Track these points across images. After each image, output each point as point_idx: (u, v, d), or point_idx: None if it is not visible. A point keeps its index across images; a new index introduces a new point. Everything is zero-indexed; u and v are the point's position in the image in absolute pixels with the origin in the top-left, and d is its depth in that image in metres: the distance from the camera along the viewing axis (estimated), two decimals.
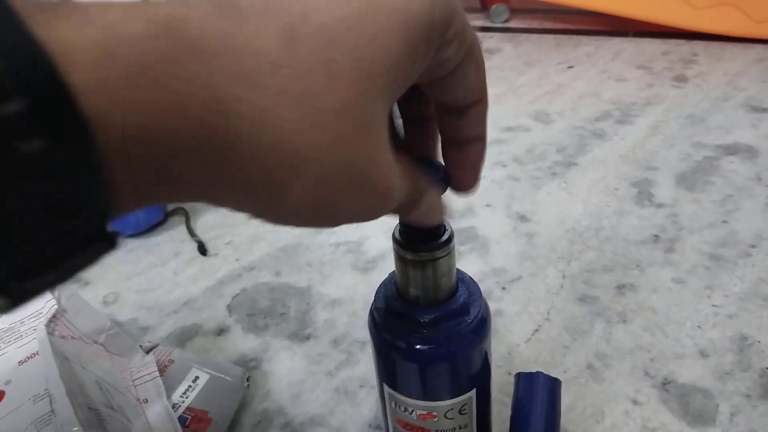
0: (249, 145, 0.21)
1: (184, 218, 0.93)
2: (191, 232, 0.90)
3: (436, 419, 0.39)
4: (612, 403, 0.61)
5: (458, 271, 0.40)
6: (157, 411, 0.55)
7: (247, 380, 0.64)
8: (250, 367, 0.67)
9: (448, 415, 0.39)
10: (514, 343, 0.68)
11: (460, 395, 0.38)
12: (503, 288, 0.76)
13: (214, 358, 0.67)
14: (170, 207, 0.95)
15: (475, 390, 0.40)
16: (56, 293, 0.56)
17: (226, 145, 0.21)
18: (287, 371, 0.67)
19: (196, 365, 0.64)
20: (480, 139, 0.32)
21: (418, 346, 0.37)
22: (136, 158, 0.20)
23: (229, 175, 0.22)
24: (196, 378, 0.63)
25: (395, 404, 0.40)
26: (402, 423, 0.41)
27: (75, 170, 0.18)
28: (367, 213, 0.26)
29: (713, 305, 0.71)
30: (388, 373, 0.40)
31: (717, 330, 0.67)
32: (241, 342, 0.72)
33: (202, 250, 0.87)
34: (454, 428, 0.40)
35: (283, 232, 0.90)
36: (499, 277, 0.78)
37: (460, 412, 0.39)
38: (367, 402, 0.63)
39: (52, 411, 0.44)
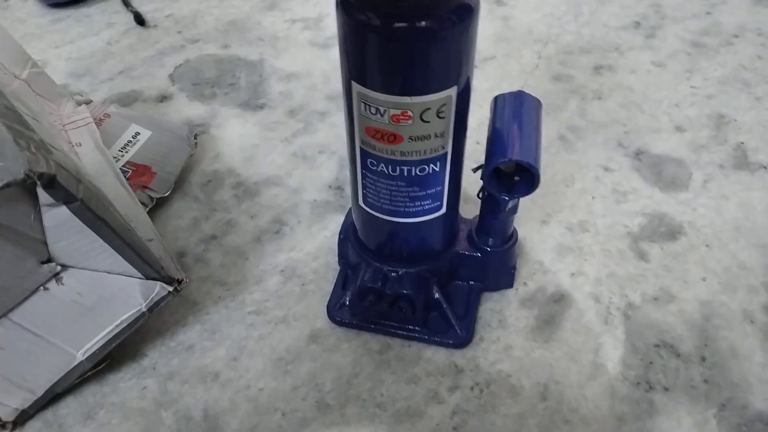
0: None
1: None
2: (126, 2, 0.79)
3: (410, 121, 0.34)
4: (583, 170, 0.58)
5: None
6: (92, 155, 0.49)
7: (195, 138, 0.58)
8: (197, 131, 0.61)
9: (424, 116, 0.34)
10: (484, 117, 0.64)
11: (439, 90, 0.33)
12: (475, 66, 0.70)
13: (156, 118, 0.60)
14: None
15: (455, 89, 0.34)
16: None
17: None
18: (239, 137, 0.62)
19: (136, 122, 0.57)
20: None
21: (397, 23, 0.31)
22: None
23: None
24: (137, 134, 0.56)
25: (364, 107, 0.35)
26: (371, 132, 0.36)
27: None
28: None
29: (692, 87, 0.67)
30: (359, 64, 0.34)
31: (694, 108, 0.64)
32: (186, 108, 0.65)
33: (140, 20, 0.77)
34: (429, 135, 0.35)
35: (231, 7, 0.80)
36: None
37: (437, 115, 0.34)
38: (327, 166, 0.59)
39: None
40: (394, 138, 0.35)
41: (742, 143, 0.60)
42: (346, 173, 0.52)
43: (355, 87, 0.34)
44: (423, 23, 0.31)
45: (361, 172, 0.39)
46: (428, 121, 0.35)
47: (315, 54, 0.73)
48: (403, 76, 0.33)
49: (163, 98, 0.66)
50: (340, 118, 0.63)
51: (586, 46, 0.73)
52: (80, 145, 0.50)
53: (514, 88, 0.67)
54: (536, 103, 0.42)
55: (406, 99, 0.33)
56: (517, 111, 0.41)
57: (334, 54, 0.73)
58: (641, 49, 0.73)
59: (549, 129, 0.62)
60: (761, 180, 0.57)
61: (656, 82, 0.68)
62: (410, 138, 0.35)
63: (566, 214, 0.54)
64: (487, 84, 0.68)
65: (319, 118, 0.64)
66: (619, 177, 0.57)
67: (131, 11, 0.78)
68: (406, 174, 0.37)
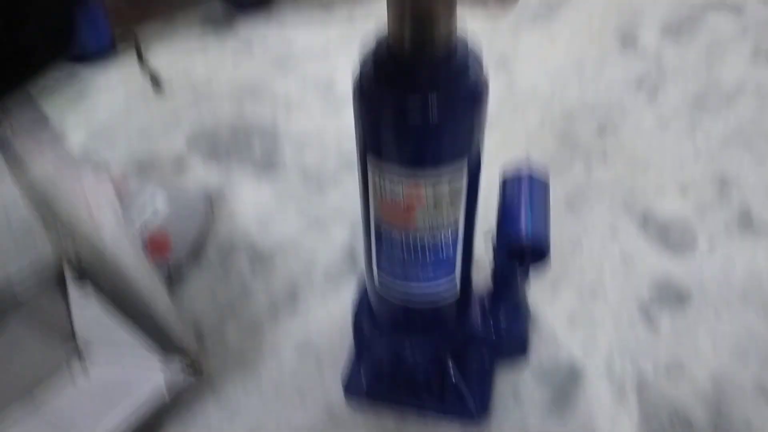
0: None
1: (134, 49, 0.84)
2: (143, 64, 0.82)
3: (423, 200, 0.35)
4: (590, 235, 0.59)
5: (459, 34, 0.34)
6: (112, 228, 0.51)
7: (211, 206, 0.60)
8: (213, 198, 0.63)
9: (437, 192, 0.35)
10: (492, 181, 0.65)
11: (449, 164, 0.34)
12: None
13: (173, 186, 0.62)
14: (119, 31, 0.85)
15: (465, 166, 0.36)
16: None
17: None
18: (253, 202, 0.63)
19: (153, 187, 0.59)
20: None
21: (412, 102, 0.32)
22: None
23: None
24: (155, 202, 0.58)
25: (380, 183, 0.36)
26: (386, 208, 0.37)
27: None
28: None
29: (695, 147, 0.69)
30: (375, 141, 0.35)
31: (698, 169, 0.66)
32: (202, 173, 0.67)
33: (157, 83, 0.79)
34: (441, 212, 0.36)
35: (245, 70, 0.83)
36: None
37: (448, 191, 0.36)
38: (339, 232, 0.60)
39: None
40: (408, 215, 0.37)
41: (747, 204, 0.61)
42: (359, 238, 0.54)
43: (370, 161, 0.35)
44: (436, 107, 0.32)
45: (376, 248, 0.40)
46: (440, 197, 0.36)
47: (327, 116, 0.75)
48: (416, 150, 0.34)
49: (180, 163, 0.68)
50: (351, 181, 0.65)
51: (589, 107, 0.75)
52: (101, 218, 0.51)
53: (521, 149, 0.69)
54: (544, 184, 0.43)
55: (419, 173, 0.35)
56: (526, 191, 0.43)
57: (346, 116, 0.75)
58: (644, 108, 0.75)
59: (556, 191, 0.63)
60: (766, 241, 0.58)
61: (660, 142, 0.70)
62: (423, 215, 0.37)
63: (576, 280, 0.55)
64: (494, 145, 0.69)
65: (332, 182, 0.66)
66: (626, 240, 0.58)
67: (149, 74, 0.81)
68: (419, 250, 0.38)
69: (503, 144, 0.70)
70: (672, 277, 0.55)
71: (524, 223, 0.41)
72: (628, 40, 0.86)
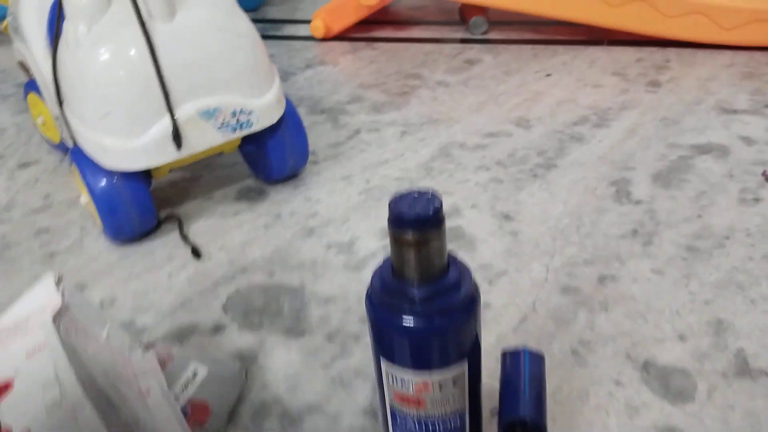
0: None
1: (177, 225, 0.95)
2: (184, 237, 0.92)
3: (431, 391, 0.42)
4: (596, 385, 0.63)
5: (449, 253, 0.42)
6: (159, 401, 0.57)
7: (245, 372, 0.66)
8: (246, 361, 0.69)
9: (442, 386, 0.42)
10: (503, 333, 0.71)
11: (453, 365, 0.41)
12: (490, 282, 0.79)
13: (211, 354, 0.69)
14: (163, 214, 0.97)
15: (467, 362, 0.42)
16: (60, 288, 0.58)
17: None
18: (283, 365, 0.69)
19: (195, 359, 0.66)
20: None
21: (413, 321, 0.40)
22: None
23: None
24: (195, 371, 0.65)
25: (392, 378, 0.42)
26: (399, 396, 0.43)
27: None
28: None
29: (690, 293, 0.74)
30: (385, 348, 0.42)
31: (694, 315, 0.71)
32: (237, 339, 0.74)
33: (196, 253, 0.89)
34: (448, 400, 0.42)
35: (274, 236, 0.92)
36: (486, 272, 0.81)
37: (453, 384, 0.42)
38: (362, 391, 0.65)
39: (61, 395, 0.45)
40: (418, 402, 0.43)
41: (742, 349, 0.66)
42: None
43: (384, 364, 0.42)
44: (438, 322, 0.39)
45: (391, 425, 0.46)
46: (446, 390, 0.42)
47: (349, 276, 0.83)
48: (420, 359, 0.41)
49: (217, 329, 0.75)
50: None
51: (589, 257, 0.82)
52: (149, 392, 0.58)
53: (528, 302, 0.75)
54: (540, 360, 0.49)
55: (426, 373, 0.41)
56: (524, 368, 0.48)
57: (366, 276, 0.83)
58: (640, 257, 0.81)
59: (562, 344, 0.69)
60: (763, 387, 0.61)
61: (657, 290, 0.75)
62: (432, 401, 0.43)
63: (584, 430, 0.59)
64: (502, 300, 0.76)
65: (354, 341, 0.72)
66: (630, 391, 0.62)
67: (189, 245, 0.90)
68: (431, 428, 0.44)
69: (510, 295, 0.76)
70: (675, 427, 0.58)
71: (523, 403, 0.46)
72: (621, 191, 0.95)
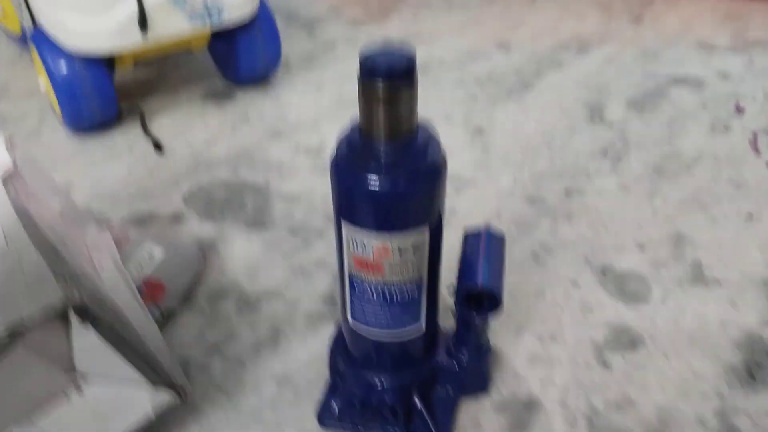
0: None
1: (139, 118, 0.91)
2: (146, 130, 0.89)
3: (390, 256, 0.41)
4: (553, 286, 0.64)
5: (421, 121, 0.41)
6: (112, 275, 0.56)
7: (203, 257, 0.65)
8: (205, 248, 0.68)
9: (402, 251, 0.41)
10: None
11: (413, 229, 0.40)
12: (457, 190, 0.78)
13: (169, 238, 0.67)
14: (126, 107, 0.93)
15: (428, 230, 0.41)
16: (12, 154, 0.55)
17: None
18: (244, 254, 0.68)
19: (152, 241, 0.64)
20: None
21: (378, 180, 0.39)
22: None
23: None
24: (152, 253, 0.63)
25: (353, 243, 0.41)
26: (358, 261, 0.42)
27: None
28: None
29: (653, 208, 0.75)
30: (347, 209, 0.41)
31: (655, 228, 0.71)
32: (197, 228, 0.72)
33: (158, 147, 0.86)
34: (407, 266, 0.42)
35: (242, 137, 0.90)
36: (455, 182, 0.80)
37: (413, 252, 0.41)
38: (323, 279, 0.65)
39: (7, 242, 0.44)
40: (377, 268, 0.42)
41: (699, 260, 0.67)
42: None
43: (345, 226, 0.41)
44: (401, 181, 0.38)
45: (350, 293, 0.45)
46: (405, 256, 0.41)
47: (315, 180, 0.81)
48: (383, 219, 0.40)
49: (176, 218, 0.74)
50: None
51: (558, 172, 0.81)
52: (102, 266, 0.56)
53: (492, 209, 0.75)
54: (501, 240, 0.49)
55: (387, 235, 0.40)
56: (484, 245, 0.48)
57: None
58: (608, 174, 0.81)
59: (523, 247, 0.69)
60: (715, 294, 0.62)
61: (621, 204, 0.75)
62: (390, 267, 0.42)
63: (537, 325, 0.59)
64: (468, 206, 0.76)
65: (317, 236, 0.71)
66: (585, 291, 0.63)
67: (151, 138, 0.88)
68: (388, 296, 0.43)
69: (476, 203, 0.76)
70: (627, 324, 0.59)
71: (480, 274, 0.46)
72: (595, 113, 0.94)
